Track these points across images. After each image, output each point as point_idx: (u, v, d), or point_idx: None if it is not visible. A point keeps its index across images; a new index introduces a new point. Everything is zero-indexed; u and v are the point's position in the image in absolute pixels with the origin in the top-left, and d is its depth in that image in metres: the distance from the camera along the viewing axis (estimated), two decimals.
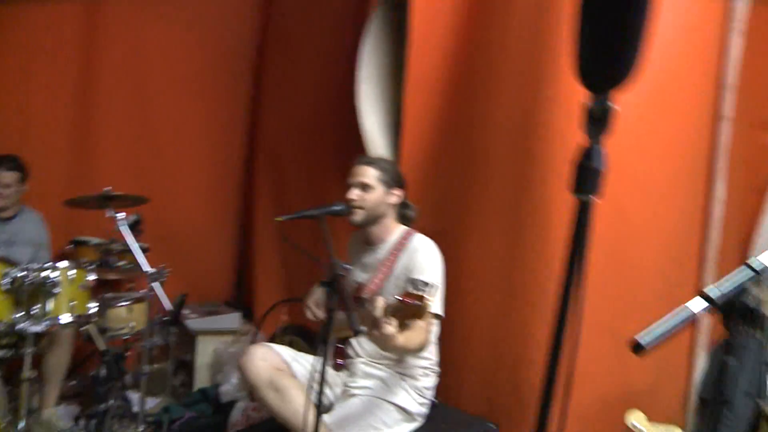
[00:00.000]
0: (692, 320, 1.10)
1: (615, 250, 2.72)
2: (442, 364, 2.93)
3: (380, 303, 2.29)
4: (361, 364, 2.82)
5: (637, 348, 1.06)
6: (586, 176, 1.07)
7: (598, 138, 1.10)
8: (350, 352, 2.87)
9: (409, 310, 2.17)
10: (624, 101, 2.71)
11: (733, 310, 1.15)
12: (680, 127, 2.88)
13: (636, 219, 2.74)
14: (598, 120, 1.13)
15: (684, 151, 2.91)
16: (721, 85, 3.00)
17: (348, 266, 2.53)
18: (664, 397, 3.10)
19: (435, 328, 2.73)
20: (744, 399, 3.10)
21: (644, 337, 1.06)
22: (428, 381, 2.81)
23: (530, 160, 2.78)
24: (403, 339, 2.46)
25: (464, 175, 3.15)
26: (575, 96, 2.66)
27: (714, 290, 1.14)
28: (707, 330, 3.16)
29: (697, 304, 1.13)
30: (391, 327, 2.27)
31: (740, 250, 3.51)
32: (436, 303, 2.63)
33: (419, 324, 2.55)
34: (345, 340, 2.88)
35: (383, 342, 2.41)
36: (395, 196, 2.81)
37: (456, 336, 3.09)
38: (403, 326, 2.33)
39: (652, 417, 2.99)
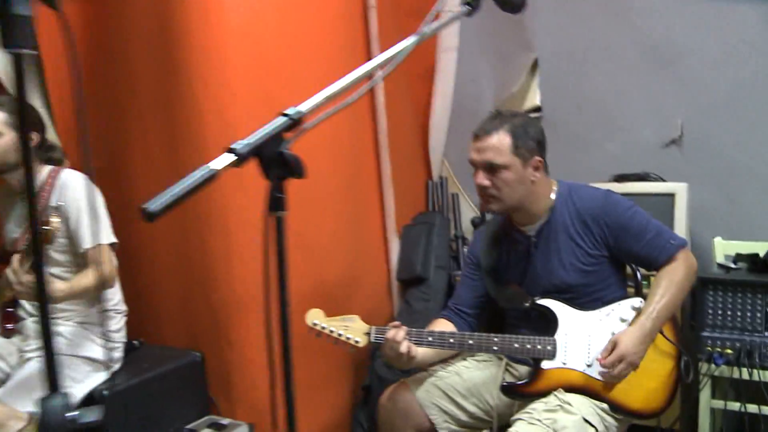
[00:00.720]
0: (214, 176, 1.01)
1: None
2: (138, 303, 2.79)
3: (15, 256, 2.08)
4: (34, 324, 2.53)
5: (148, 216, 0.94)
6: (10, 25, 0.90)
7: None
8: (22, 313, 2.58)
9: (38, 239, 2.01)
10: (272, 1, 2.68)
11: (267, 159, 1.10)
12: (332, 18, 2.87)
13: None
14: None
15: (338, 40, 2.91)
16: None
17: None
18: (367, 286, 3.17)
19: (112, 259, 2.51)
20: (437, 272, 3.28)
21: (153, 204, 0.95)
22: (113, 323, 2.62)
23: (175, 72, 2.60)
24: (65, 285, 2.35)
25: (116, 103, 2.89)
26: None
27: (240, 143, 1.08)
28: (393, 216, 3.26)
29: (221, 161, 1.06)
30: (28, 275, 2.15)
31: (418, 134, 3.67)
32: (98, 232, 2.43)
33: (94, 261, 2.41)
34: (13, 302, 2.57)
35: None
36: (31, 139, 2.50)
37: (146, 270, 2.92)
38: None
39: (359, 306, 3.07)
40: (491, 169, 2.08)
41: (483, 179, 2.10)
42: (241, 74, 2.57)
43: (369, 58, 3.05)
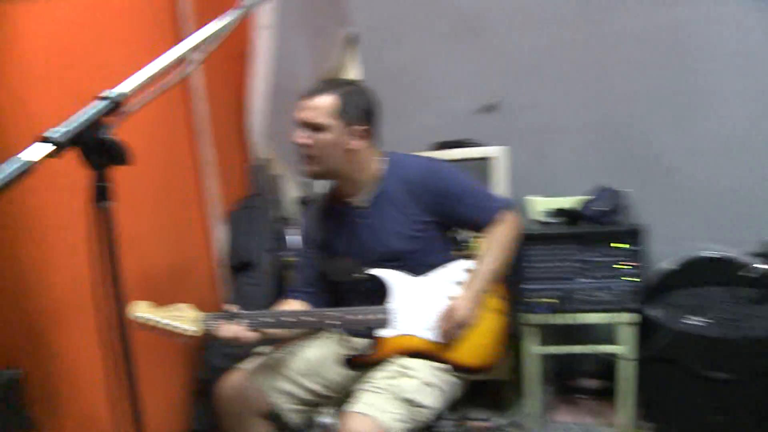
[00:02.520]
0: (30, 170, 0.90)
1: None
2: None
3: None
4: None
5: None
6: None
7: None
8: None
9: None
10: None
11: (87, 147, 1.00)
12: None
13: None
14: None
15: (146, 22, 2.75)
16: None
17: None
18: (193, 275, 3.03)
19: None
20: (264, 256, 3.20)
21: None
22: None
23: None
24: None
25: None
26: None
27: (56, 130, 0.97)
28: (216, 201, 3.15)
29: (37, 151, 0.94)
30: None
31: (240, 117, 3.55)
32: None
33: None
34: None
35: None
36: None
37: None
38: None
39: (187, 296, 2.89)
40: (311, 127, 2.07)
41: (300, 137, 2.09)
42: (42, 61, 2.33)
43: (179, 38, 2.95)
